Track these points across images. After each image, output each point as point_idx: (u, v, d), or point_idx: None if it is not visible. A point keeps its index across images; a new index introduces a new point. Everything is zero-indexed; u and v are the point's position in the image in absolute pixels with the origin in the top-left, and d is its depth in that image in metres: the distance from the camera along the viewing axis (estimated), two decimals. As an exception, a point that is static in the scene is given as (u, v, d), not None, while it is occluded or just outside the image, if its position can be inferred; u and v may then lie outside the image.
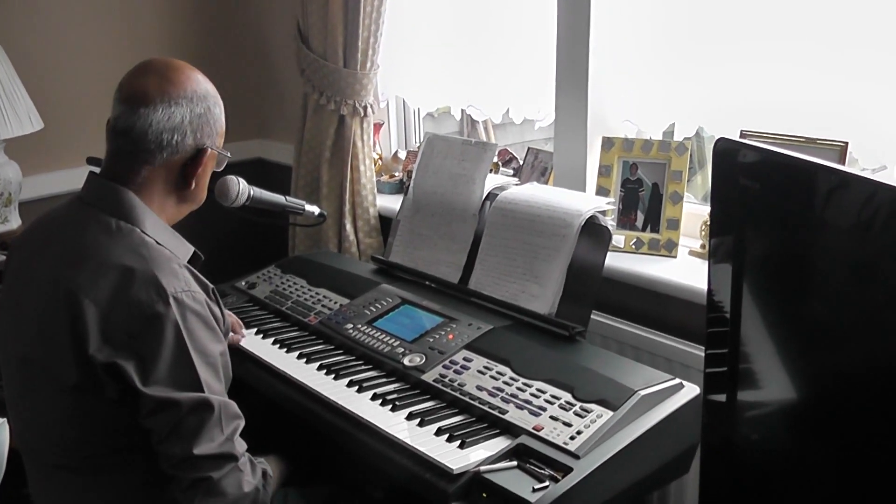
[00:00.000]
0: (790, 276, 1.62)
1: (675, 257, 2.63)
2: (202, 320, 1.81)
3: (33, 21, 3.48)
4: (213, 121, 1.93)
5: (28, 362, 1.87)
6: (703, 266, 2.48)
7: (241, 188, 2.45)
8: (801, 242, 1.59)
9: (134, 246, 1.81)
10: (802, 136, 2.29)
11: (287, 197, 2.63)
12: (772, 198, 1.63)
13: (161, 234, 1.89)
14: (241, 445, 1.84)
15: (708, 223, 2.54)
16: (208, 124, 1.91)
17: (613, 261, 2.49)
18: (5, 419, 2.29)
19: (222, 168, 2.05)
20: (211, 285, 1.92)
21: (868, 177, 1.47)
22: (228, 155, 2.02)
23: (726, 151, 1.69)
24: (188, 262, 1.95)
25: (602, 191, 2.71)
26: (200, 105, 1.89)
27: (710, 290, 1.77)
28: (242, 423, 1.85)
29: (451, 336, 2.31)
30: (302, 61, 3.37)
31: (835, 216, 1.52)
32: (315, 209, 2.69)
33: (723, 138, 1.69)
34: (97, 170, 1.93)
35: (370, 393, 2.16)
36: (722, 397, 1.79)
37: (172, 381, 1.74)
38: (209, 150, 1.92)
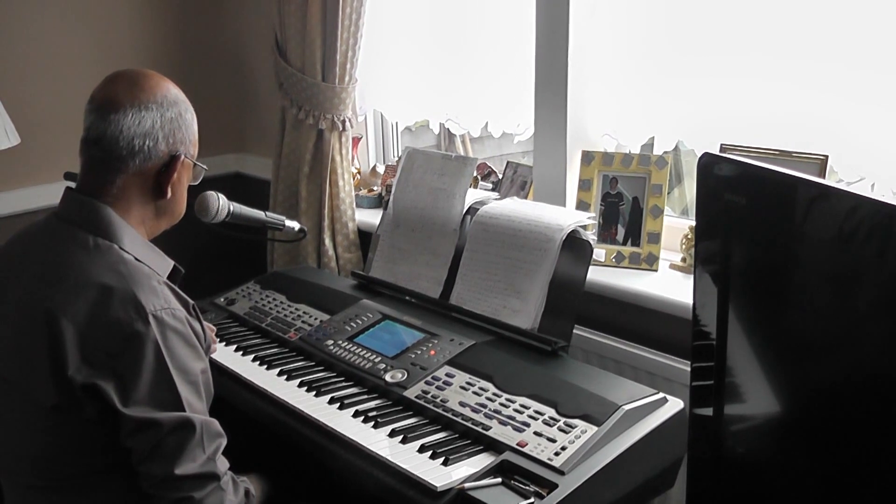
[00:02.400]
0: (775, 289, 1.62)
1: (656, 271, 2.63)
2: (182, 338, 1.79)
3: (9, 36, 3.46)
4: (184, 127, 1.90)
5: (5, 382, 1.84)
6: (684, 279, 2.51)
7: (221, 204, 2.44)
8: (785, 255, 1.59)
9: (112, 263, 1.79)
10: (782, 150, 2.30)
11: (267, 212, 2.62)
12: (756, 211, 1.63)
13: (140, 250, 1.86)
14: (223, 464, 1.81)
15: (688, 237, 2.55)
16: (180, 130, 1.89)
17: (595, 275, 2.49)
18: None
19: (199, 181, 2.03)
20: (191, 301, 1.89)
21: (851, 190, 1.47)
22: (205, 168, 2.01)
23: (711, 166, 1.69)
24: (168, 276, 1.93)
25: (582, 205, 2.71)
26: (171, 110, 1.87)
27: (695, 303, 1.77)
28: (224, 442, 1.83)
29: (432, 352, 2.29)
30: (280, 75, 3.36)
31: (818, 229, 1.52)
32: (295, 224, 2.68)
33: (708, 153, 1.70)
34: (74, 185, 1.91)
35: (352, 410, 2.14)
36: (708, 411, 1.79)
37: (153, 401, 1.72)
38: (183, 157, 1.90)
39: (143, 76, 1.89)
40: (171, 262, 1.97)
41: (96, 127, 1.83)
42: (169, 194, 1.91)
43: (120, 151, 1.82)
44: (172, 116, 1.87)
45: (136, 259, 1.83)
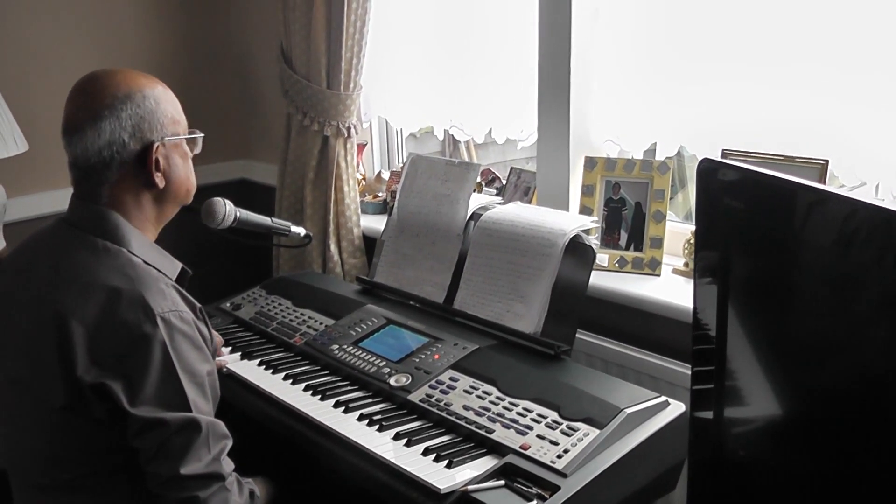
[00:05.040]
0: (775, 294, 1.63)
1: (658, 276, 2.64)
2: (190, 340, 1.81)
3: (17, 44, 3.48)
4: (148, 114, 1.87)
5: (15, 383, 1.86)
6: (686, 284, 2.51)
7: (228, 210, 2.45)
8: (785, 260, 1.60)
9: (120, 266, 1.81)
10: (783, 155, 2.31)
11: (273, 218, 2.63)
12: (756, 217, 1.64)
13: (148, 253, 1.89)
14: (228, 465, 1.83)
15: (691, 241, 2.57)
16: (144, 120, 1.87)
17: (597, 280, 2.50)
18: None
19: (199, 148, 2.01)
20: (198, 304, 1.91)
21: (850, 196, 1.48)
22: (198, 134, 1.99)
23: (710, 171, 1.70)
24: (177, 279, 1.95)
25: (585, 210, 2.73)
26: (127, 107, 1.85)
27: (695, 307, 1.79)
28: (230, 443, 1.85)
29: (436, 356, 2.31)
30: (285, 82, 3.38)
31: (818, 234, 1.53)
32: (301, 230, 2.69)
33: (706, 158, 1.71)
34: None
35: (357, 413, 2.16)
36: (709, 414, 1.80)
37: (160, 402, 1.74)
38: (156, 143, 1.88)
39: (92, 81, 1.90)
40: (179, 265, 1.99)
41: (68, 150, 1.87)
42: (161, 183, 1.91)
43: (94, 167, 1.85)
44: (130, 113, 1.85)
45: (145, 262, 1.85)
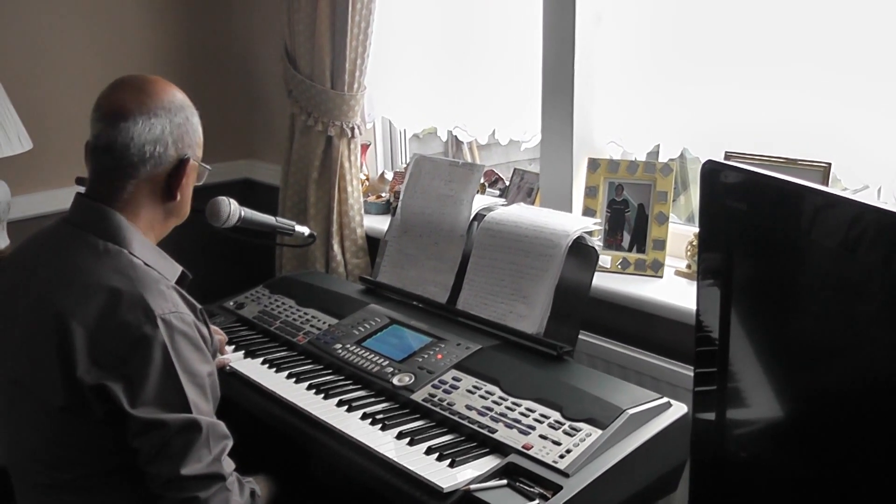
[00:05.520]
0: (777, 296, 1.64)
1: (661, 277, 2.65)
2: (190, 341, 1.81)
3: (22, 42, 3.49)
4: (192, 130, 1.94)
5: (15, 383, 1.86)
6: (689, 286, 2.52)
7: (233, 209, 2.46)
8: (787, 262, 1.61)
9: (121, 268, 1.81)
10: (786, 158, 2.32)
11: (277, 218, 2.64)
12: (759, 219, 1.65)
13: (149, 255, 1.89)
14: (228, 465, 1.83)
15: (693, 243, 2.57)
16: (188, 134, 1.92)
17: (600, 281, 2.50)
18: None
19: (202, 181, 2.04)
20: (199, 306, 1.92)
21: (854, 198, 1.49)
22: (209, 168, 2.03)
23: (714, 173, 1.71)
24: (176, 281, 1.95)
25: (588, 212, 2.73)
26: (179, 115, 1.90)
27: (698, 309, 1.79)
28: (230, 444, 1.85)
29: (439, 356, 2.32)
30: (289, 82, 3.39)
31: (821, 236, 1.54)
32: (305, 230, 2.70)
33: (710, 160, 1.71)
34: (81, 192, 1.94)
35: (359, 412, 2.17)
36: (711, 415, 1.81)
37: (160, 403, 1.74)
38: (191, 160, 1.93)
39: (149, 82, 1.91)
40: (180, 268, 1.99)
41: (106, 135, 1.85)
42: (178, 197, 1.94)
43: (131, 158, 1.85)
44: (180, 121, 1.90)
45: (146, 264, 1.85)
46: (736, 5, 2.41)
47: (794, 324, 1.61)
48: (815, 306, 1.57)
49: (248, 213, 2.52)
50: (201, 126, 1.99)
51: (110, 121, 1.85)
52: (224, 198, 2.47)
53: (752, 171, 1.67)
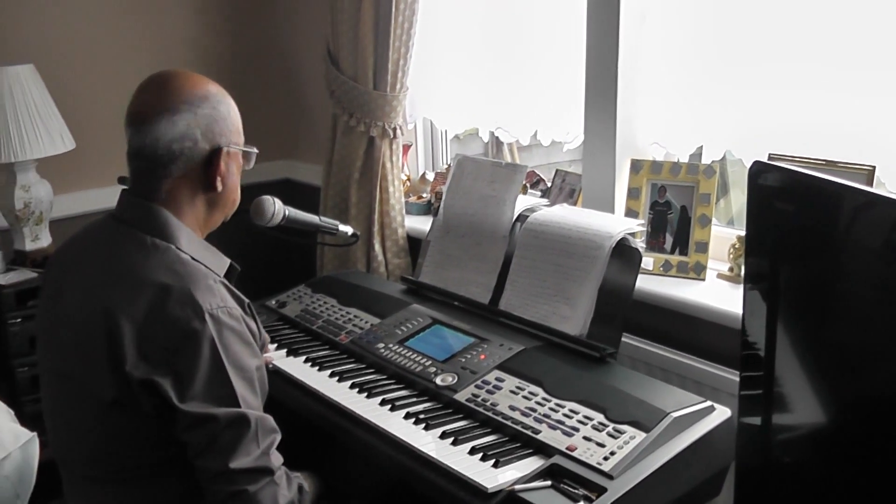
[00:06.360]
0: (824, 299, 1.63)
1: (703, 280, 2.64)
2: (238, 336, 1.82)
3: (66, 43, 3.54)
4: (220, 119, 1.90)
5: (65, 377, 1.88)
6: (731, 289, 2.51)
7: (277, 208, 2.47)
8: (836, 265, 1.60)
9: (169, 263, 1.82)
10: (829, 160, 2.30)
11: (321, 217, 2.65)
12: (807, 221, 1.64)
13: (196, 250, 1.89)
14: (277, 459, 1.84)
15: (736, 246, 2.56)
16: (216, 123, 1.89)
17: (642, 283, 2.49)
18: (35, 433, 2.31)
19: (251, 165, 2.03)
20: (246, 300, 1.92)
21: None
22: (254, 150, 2.01)
23: (761, 174, 1.70)
24: (225, 274, 1.96)
25: (631, 213, 2.73)
26: (203, 106, 1.87)
27: (744, 312, 1.78)
28: (279, 438, 1.85)
29: (482, 356, 2.32)
30: (331, 83, 3.40)
31: (870, 240, 1.53)
32: (348, 229, 2.71)
33: (758, 161, 1.71)
34: (127, 188, 1.94)
35: (403, 412, 2.17)
36: (757, 420, 1.80)
37: (209, 397, 1.75)
38: (225, 148, 1.91)
39: (169, 78, 1.90)
40: (228, 261, 2.00)
41: (135, 139, 1.86)
42: (220, 187, 1.92)
43: (161, 159, 1.84)
44: (206, 112, 1.87)
45: (193, 259, 1.86)
46: (780, 6, 2.40)
47: (844, 327, 1.60)
48: (865, 310, 1.56)
49: (292, 211, 2.53)
50: (238, 112, 1.97)
51: (136, 125, 1.86)
52: (268, 197, 2.48)
53: (800, 173, 1.66)
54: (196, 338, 1.74)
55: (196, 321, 1.75)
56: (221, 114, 1.91)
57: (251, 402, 1.81)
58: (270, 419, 1.84)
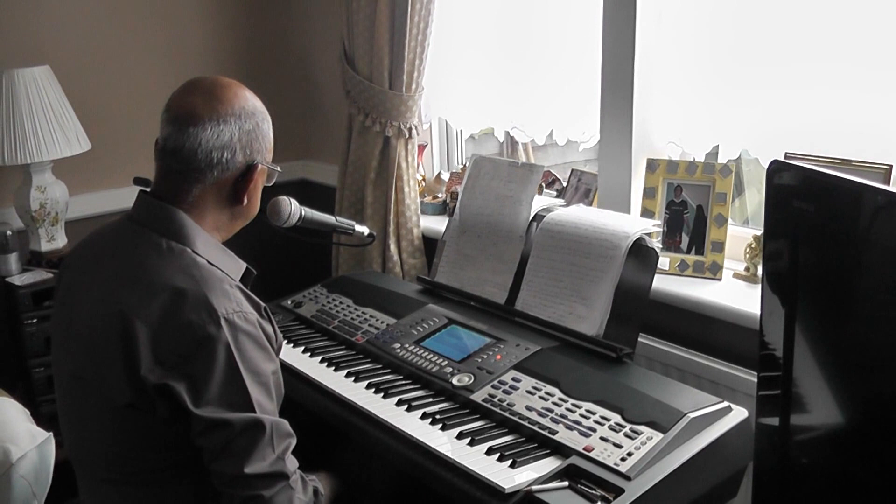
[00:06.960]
0: (842, 298, 1.62)
1: (719, 280, 2.63)
2: (254, 340, 1.81)
3: (81, 44, 3.55)
4: (261, 136, 1.92)
5: (79, 379, 1.88)
6: (747, 289, 2.50)
7: (294, 208, 2.48)
8: (853, 264, 1.59)
9: (185, 266, 1.81)
10: (845, 159, 2.29)
11: (337, 217, 2.65)
12: (826, 220, 1.63)
13: (212, 253, 1.89)
14: (292, 464, 1.83)
15: (752, 246, 2.55)
16: (257, 140, 1.91)
17: (658, 283, 2.48)
18: (51, 433, 2.32)
19: (272, 182, 2.03)
20: (263, 304, 1.91)
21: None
22: (279, 170, 2.02)
23: (779, 173, 1.69)
24: (241, 277, 1.96)
25: (647, 213, 2.72)
26: (249, 121, 1.89)
27: (762, 312, 1.78)
28: (294, 442, 1.85)
29: (498, 356, 2.32)
30: (347, 83, 3.41)
31: (889, 239, 1.52)
32: (365, 229, 2.71)
33: (776, 160, 1.70)
34: (145, 190, 1.94)
35: (419, 412, 2.17)
36: (774, 421, 1.79)
37: (224, 402, 1.74)
38: (260, 165, 1.92)
39: (222, 87, 1.90)
40: (244, 265, 1.99)
41: (174, 138, 1.84)
42: (245, 201, 1.93)
43: (198, 164, 1.84)
44: (250, 128, 1.89)
45: (209, 262, 1.86)
46: (795, 6, 2.39)
47: (860, 327, 1.59)
48: (880, 309, 1.56)
49: (308, 212, 2.53)
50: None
51: (180, 124, 1.84)
52: (285, 197, 2.49)
53: (818, 171, 1.66)
54: (211, 343, 1.73)
55: (211, 326, 1.74)
56: (263, 132, 1.93)
57: (266, 406, 1.81)
58: (286, 424, 1.84)
